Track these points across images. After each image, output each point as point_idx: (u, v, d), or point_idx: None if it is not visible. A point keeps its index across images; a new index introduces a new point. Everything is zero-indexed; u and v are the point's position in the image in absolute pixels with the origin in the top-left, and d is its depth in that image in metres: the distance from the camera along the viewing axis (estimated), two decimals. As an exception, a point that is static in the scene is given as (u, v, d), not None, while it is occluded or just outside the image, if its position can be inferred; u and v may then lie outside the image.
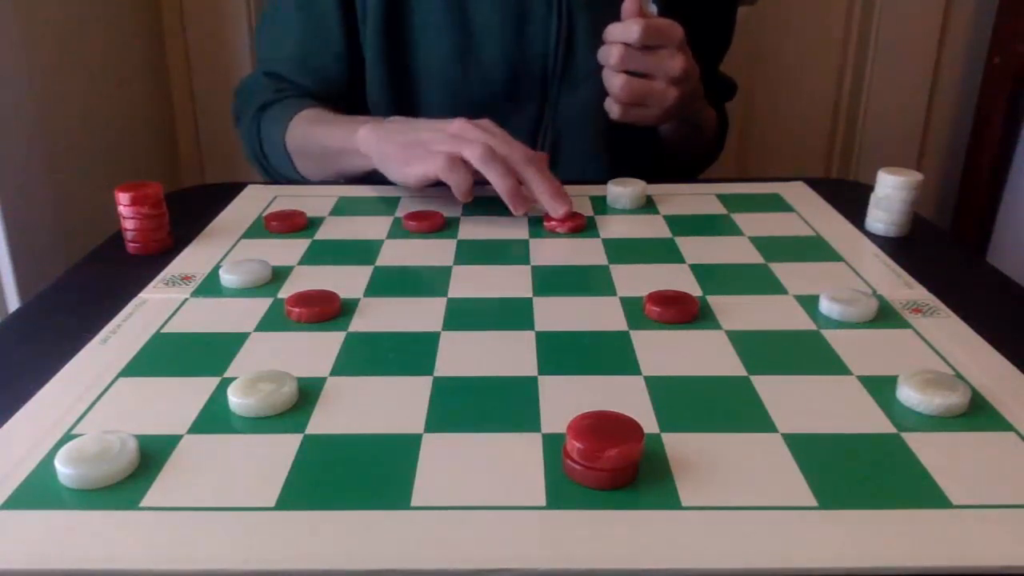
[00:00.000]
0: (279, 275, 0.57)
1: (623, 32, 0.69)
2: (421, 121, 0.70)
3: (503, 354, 0.46)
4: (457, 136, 0.65)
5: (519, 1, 0.79)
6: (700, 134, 0.87)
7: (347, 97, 0.85)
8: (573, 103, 0.83)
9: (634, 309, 0.52)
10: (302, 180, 0.82)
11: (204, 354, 0.47)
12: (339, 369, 0.45)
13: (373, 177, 0.87)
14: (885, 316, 0.51)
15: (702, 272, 0.57)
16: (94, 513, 0.34)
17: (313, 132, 0.78)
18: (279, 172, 0.84)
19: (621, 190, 0.70)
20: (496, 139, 0.65)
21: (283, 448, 0.38)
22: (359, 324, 0.50)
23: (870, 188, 0.66)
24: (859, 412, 0.41)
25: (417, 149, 0.66)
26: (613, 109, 0.73)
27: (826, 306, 0.51)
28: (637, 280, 0.56)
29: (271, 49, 0.87)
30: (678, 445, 0.38)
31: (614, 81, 0.70)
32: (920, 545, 0.32)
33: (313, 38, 0.84)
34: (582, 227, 0.65)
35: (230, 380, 0.42)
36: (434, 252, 0.61)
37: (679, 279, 0.56)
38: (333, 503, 0.34)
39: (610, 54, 0.70)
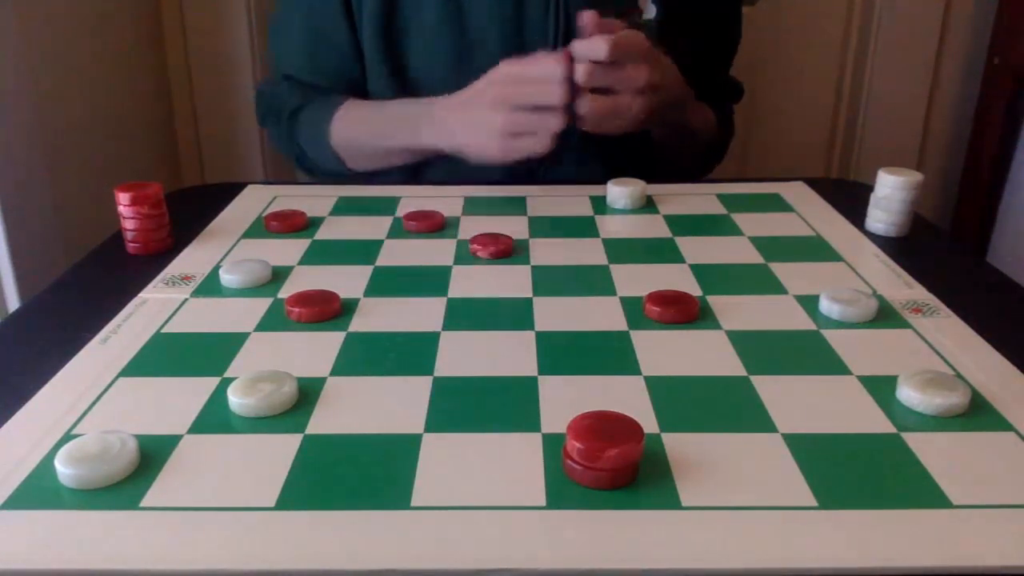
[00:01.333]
0: (279, 275, 0.57)
1: (589, 50, 0.68)
2: (466, 101, 0.73)
3: (503, 354, 0.46)
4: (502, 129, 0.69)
5: (516, 3, 0.79)
6: (694, 137, 0.86)
7: (365, 89, 0.87)
8: (570, 105, 0.83)
9: (634, 309, 0.52)
10: (354, 174, 0.86)
11: (204, 354, 0.47)
12: (339, 369, 0.45)
13: (372, 177, 0.87)
14: (885, 316, 0.51)
15: (702, 272, 0.57)
16: (94, 513, 0.34)
17: (364, 134, 0.81)
18: (331, 172, 0.87)
19: (621, 190, 0.70)
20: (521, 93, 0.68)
21: (283, 448, 0.38)
22: (359, 324, 0.50)
23: (870, 188, 0.66)
24: (859, 412, 0.41)
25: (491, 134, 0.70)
26: (583, 125, 0.72)
27: (826, 306, 0.51)
28: (637, 280, 0.56)
29: (283, 55, 0.89)
30: (678, 445, 0.38)
31: (580, 101, 0.69)
32: (920, 545, 0.32)
33: (320, 44, 0.85)
34: (508, 252, 0.60)
35: (230, 380, 0.42)
36: (434, 252, 0.61)
37: (679, 279, 0.56)
38: (333, 503, 0.34)
39: (576, 73, 0.69)
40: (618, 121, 0.71)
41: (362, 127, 0.81)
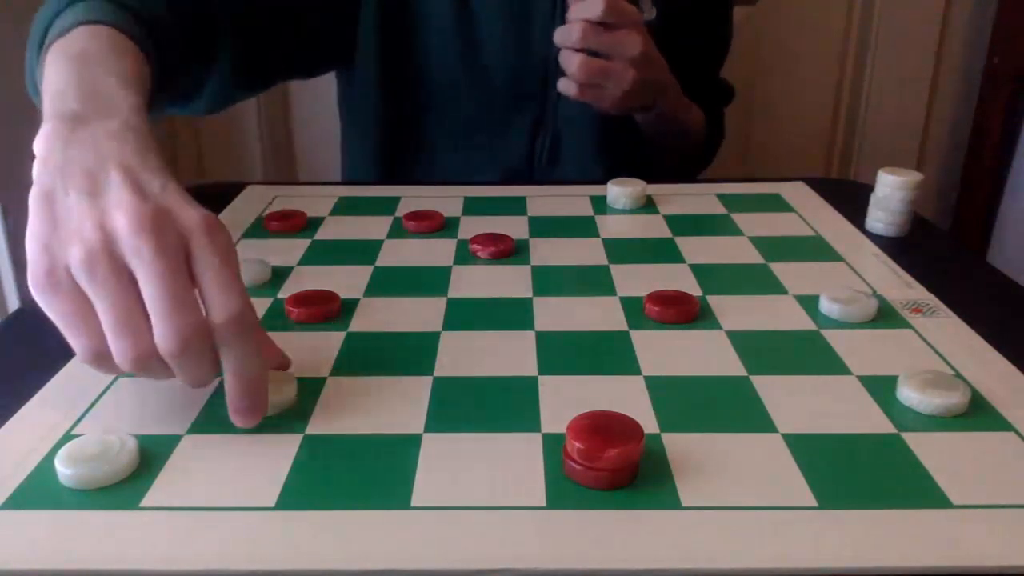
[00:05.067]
0: (279, 275, 0.57)
1: (585, 8, 0.69)
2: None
3: (503, 354, 0.46)
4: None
5: (523, 1, 0.79)
6: (683, 131, 0.86)
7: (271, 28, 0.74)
8: (573, 104, 0.83)
9: (634, 309, 0.52)
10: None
11: (204, 354, 0.47)
12: (339, 369, 0.45)
13: (373, 177, 0.87)
14: (885, 316, 0.51)
15: (702, 272, 0.57)
16: (94, 513, 0.34)
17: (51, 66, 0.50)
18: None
19: (621, 190, 0.70)
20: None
21: (283, 448, 0.38)
22: (359, 324, 0.50)
23: (870, 188, 0.66)
24: (859, 412, 0.41)
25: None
26: (570, 88, 0.72)
27: (826, 306, 0.51)
28: (637, 280, 0.56)
29: None
30: (678, 445, 0.38)
31: (573, 60, 0.70)
32: (920, 545, 0.32)
33: None
34: (508, 252, 0.60)
35: (230, 380, 0.42)
36: (434, 252, 0.61)
37: (679, 279, 0.56)
38: (333, 503, 0.34)
39: (571, 32, 0.69)
40: (608, 91, 0.71)
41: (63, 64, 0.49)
